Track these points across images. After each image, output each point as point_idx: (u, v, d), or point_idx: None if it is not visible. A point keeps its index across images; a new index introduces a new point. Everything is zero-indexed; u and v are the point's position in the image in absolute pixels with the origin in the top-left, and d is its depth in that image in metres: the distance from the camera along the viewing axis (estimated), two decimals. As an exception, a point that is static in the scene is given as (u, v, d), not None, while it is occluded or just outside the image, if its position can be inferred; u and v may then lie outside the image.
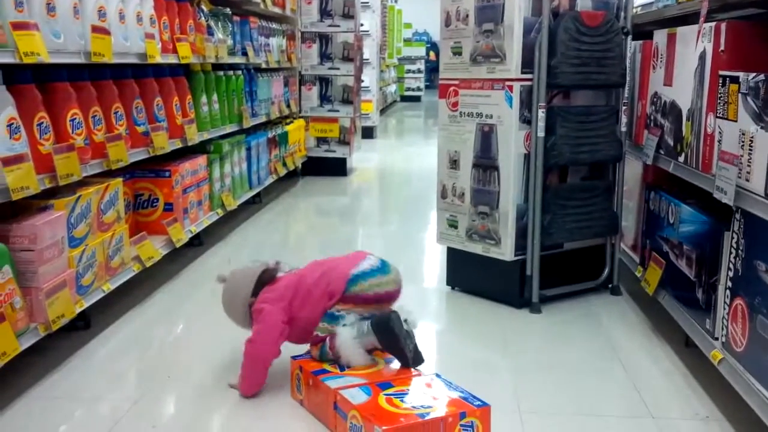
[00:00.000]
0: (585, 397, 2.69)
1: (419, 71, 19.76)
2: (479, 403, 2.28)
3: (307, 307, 2.66)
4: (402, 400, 2.28)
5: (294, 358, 2.64)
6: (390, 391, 2.34)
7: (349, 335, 2.55)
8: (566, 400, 2.65)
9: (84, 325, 3.21)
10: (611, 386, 2.80)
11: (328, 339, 2.59)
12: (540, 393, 2.72)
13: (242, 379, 2.64)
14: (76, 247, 2.98)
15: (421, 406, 2.25)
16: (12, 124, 2.59)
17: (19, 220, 2.69)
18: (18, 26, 2.57)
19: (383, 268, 2.70)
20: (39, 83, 2.87)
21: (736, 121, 2.40)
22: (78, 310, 2.95)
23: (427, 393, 2.34)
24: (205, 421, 2.51)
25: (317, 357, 2.62)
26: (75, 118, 3.04)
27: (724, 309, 2.51)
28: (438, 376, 2.50)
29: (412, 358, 2.55)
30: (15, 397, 2.61)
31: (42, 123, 2.82)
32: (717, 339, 2.58)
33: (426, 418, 2.18)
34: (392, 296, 2.69)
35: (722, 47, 2.65)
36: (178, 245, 4.00)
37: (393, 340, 2.53)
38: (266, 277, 2.77)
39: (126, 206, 3.61)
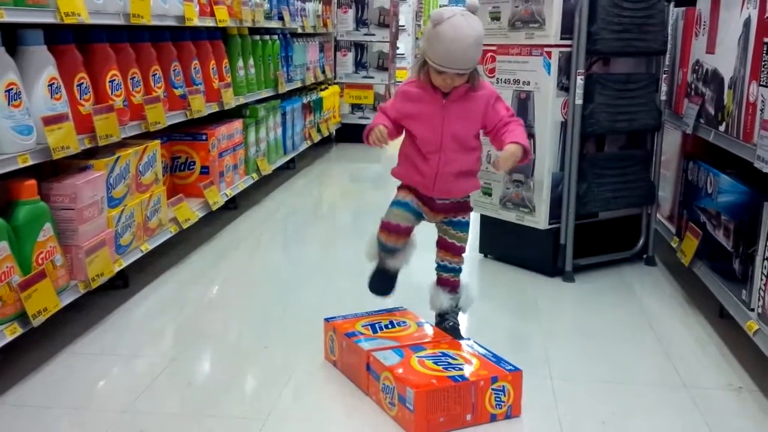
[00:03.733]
0: (617, 365, 2.69)
1: (455, 39, 19.52)
2: (511, 367, 2.29)
3: None
4: (434, 363, 2.30)
5: (327, 320, 2.66)
6: (422, 354, 2.36)
7: (472, 296, 2.80)
8: (598, 368, 2.65)
9: (122, 284, 3.27)
10: (644, 355, 2.79)
11: (459, 281, 2.77)
12: (572, 360, 2.72)
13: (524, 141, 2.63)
14: (115, 207, 3.03)
15: (454, 369, 2.26)
16: (53, 83, 2.63)
17: (59, 179, 2.73)
18: (59, -14, 2.60)
19: None
20: (79, 44, 2.90)
21: (780, 89, 2.35)
22: (117, 269, 3.00)
23: (459, 357, 2.36)
24: (239, 380, 2.55)
25: (440, 261, 2.77)
26: (114, 80, 3.07)
27: (762, 280, 2.48)
28: (470, 340, 2.52)
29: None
30: (55, 352, 2.67)
31: (82, 84, 2.85)
32: (753, 310, 2.56)
33: (458, 381, 2.20)
34: None
35: (768, 13, 2.59)
36: (214, 208, 4.04)
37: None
38: None
39: (163, 169, 3.65)
